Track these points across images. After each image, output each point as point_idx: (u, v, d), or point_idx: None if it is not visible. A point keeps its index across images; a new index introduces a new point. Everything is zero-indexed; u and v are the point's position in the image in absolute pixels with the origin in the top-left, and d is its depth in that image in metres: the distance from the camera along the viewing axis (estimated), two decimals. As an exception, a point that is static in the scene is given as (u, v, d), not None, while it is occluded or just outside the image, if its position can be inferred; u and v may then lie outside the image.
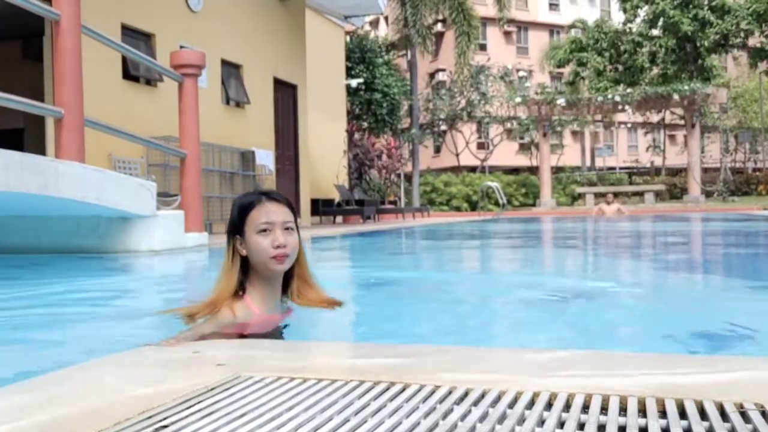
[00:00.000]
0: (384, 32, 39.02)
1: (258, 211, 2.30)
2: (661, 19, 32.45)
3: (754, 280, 4.29)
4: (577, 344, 2.35)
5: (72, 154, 5.81)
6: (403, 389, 1.34)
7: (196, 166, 7.59)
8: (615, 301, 3.45)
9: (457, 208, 26.97)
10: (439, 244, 9.21)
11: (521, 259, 6.57)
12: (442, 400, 1.27)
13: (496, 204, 22.39)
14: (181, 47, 10.23)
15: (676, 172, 35.35)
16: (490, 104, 31.50)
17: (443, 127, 33.62)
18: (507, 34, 45.60)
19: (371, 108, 19.94)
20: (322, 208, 15.83)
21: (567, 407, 1.23)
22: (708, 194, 27.06)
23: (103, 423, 1.17)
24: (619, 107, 25.29)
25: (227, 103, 12.32)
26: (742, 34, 32.11)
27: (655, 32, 33.63)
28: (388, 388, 1.35)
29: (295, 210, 2.41)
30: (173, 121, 8.03)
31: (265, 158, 12.37)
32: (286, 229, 2.30)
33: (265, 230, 2.28)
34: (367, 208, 16.37)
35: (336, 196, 16.87)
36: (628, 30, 34.52)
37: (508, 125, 33.14)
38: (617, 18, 38.06)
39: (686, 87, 24.29)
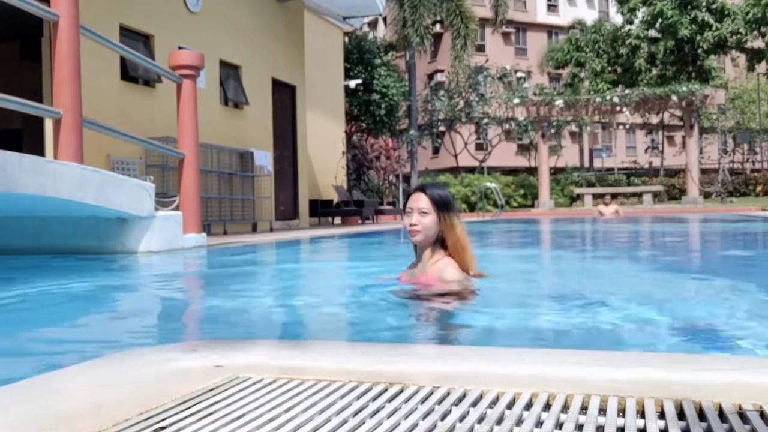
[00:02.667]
0: (382, 33, 39.03)
1: (408, 199, 3.24)
2: (659, 21, 32.48)
3: (753, 280, 4.29)
4: (576, 344, 2.36)
5: (70, 155, 5.81)
6: (401, 390, 1.34)
7: (195, 166, 7.59)
8: (613, 301, 3.46)
9: (456, 209, 26.92)
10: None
11: (520, 260, 6.58)
12: (440, 402, 1.27)
13: (495, 205, 22.40)
14: (180, 48, 10.23)
15: (674, 173, 35.35)
16: (489, 105, 31.48)
17: (442, 128, 33.61)
18: (505, 35, 45.61)
19: (370, 109, 19.93)
20: (320, 209, 15.83)
21: (565, 408, 1.23)
22: (706, 195, 27.07)
23: (101, 424, 1.17)
24: (618, 108, 25.27)
25: (226, 103, 12.32)
26: (741, 37, 32.13)
27: (654, 33, 33.66)
28: (386, 389, 1.35)
29: (439, 200, 3.15)
30: (172, 122, 8.04)
31: (264, 159, 12.37)
32: (422, 213, 3.14)
33: (408, 212, 3.19)
34: (366, 208, 16.37)
35: (334, 197, 16.87)
36: (626, 32, 34.53)
37: (507, 126, 33.12)
38: (616, 19, 38.08)
39: (684, 88, 24.29)
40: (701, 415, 1.18)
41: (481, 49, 40.80)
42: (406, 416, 1.20)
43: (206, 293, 4.42)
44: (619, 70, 35.36)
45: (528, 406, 1.25)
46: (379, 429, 1.14)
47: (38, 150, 8.30)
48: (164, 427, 1.15)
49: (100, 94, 8.94)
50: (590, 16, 43.45)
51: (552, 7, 50.70)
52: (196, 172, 7.60)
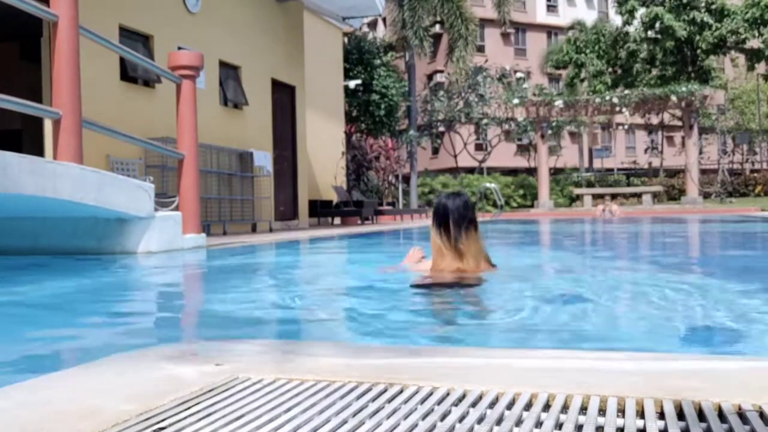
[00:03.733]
0: (382, 33, 39.02)
1: None
2: (657, 23, 32.51)
3: (753, 281, 4.29)
4: (575, 345, 2.35)
5: (70, 156, 5.80)
6: (401, 391, 1.34)
7: (194, 167, 7.58)
8: (613, 301, 3.46)
9: (455, 210, 26.89)
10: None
11: (520, 259, 6.57)
12: (440, 402, 1.27)
13: (494, 205, 22.41)
14: (179, 48, 10.22)
15: (674, 173, 35.37)
16: (488, 106, 31.48)
17: (441, 129, 33.62)
18: (505, 35, 45.62)
19: (369, 109, 19.93)
20: (320, 209, 15.84)
21: (565, 409, 1.23)
22: (706, 195, 27.08)
23: (101, 425, 1.17)
24: (617, 109, 25.27)
25: (225, 104, 12.31)
26: (740, 37, 32.15)
27: (653, 34, 33.69)
28: (385, 390, 1.35)
29: (432, 215, 3.79)
30: (171, 123, 8.03)
31: (263, 159, 12.36)
32: None
33: None
34: (366, 209, 16.37)
35: (334, 198, 16.87)
36: (625, 34, 34.55)
37: (506, 127, 33.14)
38: (615, 20, 38.10)
39: (684, 89, 24.29)
40: (701, 416, 1.18)
41: (480, 49, 40.81)
42: (406, 417, 1.20)
43: (205, 294, 4.42)
44: (619, 71, 35.38)
45: (527, 407, 1.25)
46: (379, 429, 1.14)
47: (38, 150, 8.29)
48: (164, 428, 1.15)
49: (100, 95, 8.93)
50: (590, 17, 43.46)
51: (551, 8, 50.70)
52: (195, 172, 7.60)
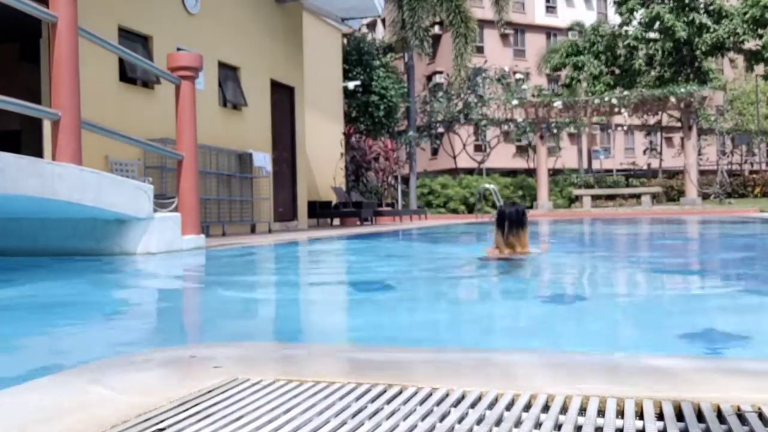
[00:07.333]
0: (381, 34, 39.03)
1: None
2: (657, 23, 32.53)
3: (753, 282, 4.29)
4: (574, 346, 2.36)
5: (69, 157, 5.80)
6: (400, 392, 1.34)
7: (193, 168, 7.58)
8: (612, 303, 3.46)
9: (454, 211, 26.95)
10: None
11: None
12: (439, 403, 1.27)
13: (494, 206, 22.38)
14: (179, 49, 10.22)
15: (673, 174, 35.34)
16: (487, 107, 31.47)
17: (440, 130, 33.60)
18: (504, 36, 45.61)
19: (368, 110, 19.92)
20: (319, 210, 15.83)
21: (564, 410, 1.23)
22: (705, 196, 27.07)
23: (101, 425, 1.17)
24: (616, 110, 25.25)
25: (224, 105, 12.31)
26: (738, 39, 32.16)
27: (652, 35, 33.70)
28: (385, 391, 1.35)
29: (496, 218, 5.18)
30: (170, 124, 8.03)
31: (263, 160, 12.36)
32: None
33: None
34: (365, 210, 16.37)
35: (333, 199, 16.87)
36: (624, 33, 34.57)
37: (505, 128, 33.14)
38: (614, 20, 38.11)
39: (683, 89, 24.29)
40: (700, 417, 1.18)
41: (479, 50, 40.80)
42: (405, 417, 1.20)
43: (205, 295, 4.42)
44: (617, 71, 35.37)
45: (527, 408, 1.25)
46: (378, 430, 1.14)
47: (37, 151, 8.28)
48: (163, 429, 1.15)
49: (99, 96, 8.93)
50: (589, 18, 43.46)
51: (550, 9, 50.73)
52: (194, 173, 7.59)
